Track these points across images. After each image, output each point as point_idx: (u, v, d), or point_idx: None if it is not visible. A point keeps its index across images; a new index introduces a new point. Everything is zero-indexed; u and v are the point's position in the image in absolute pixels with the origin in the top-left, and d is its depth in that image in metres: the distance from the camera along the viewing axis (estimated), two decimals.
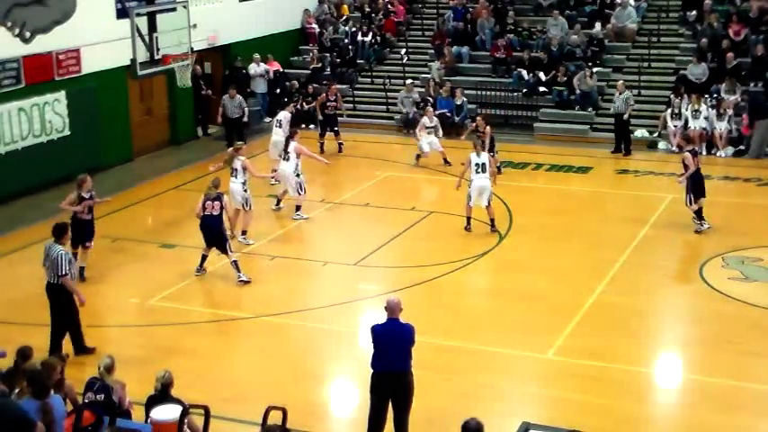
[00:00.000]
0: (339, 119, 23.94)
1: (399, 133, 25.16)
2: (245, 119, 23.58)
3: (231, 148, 17.83)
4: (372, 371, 10.30)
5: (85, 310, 14.63)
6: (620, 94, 22.85)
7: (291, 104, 23.40)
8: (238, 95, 23.52)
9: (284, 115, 21.32)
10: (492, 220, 17.52)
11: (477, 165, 17.33)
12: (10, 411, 7.99)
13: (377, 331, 10.32)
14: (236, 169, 17.16)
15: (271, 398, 10.32)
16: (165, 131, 24.65)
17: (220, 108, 23.47)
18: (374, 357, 10.29)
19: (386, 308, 10.37)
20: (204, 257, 15.72)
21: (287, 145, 18.48)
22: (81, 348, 12.83)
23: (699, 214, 17.37)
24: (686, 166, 17.29)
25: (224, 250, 15.43)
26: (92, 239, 15.95)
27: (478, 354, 12.99)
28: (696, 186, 17.32)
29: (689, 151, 17.41)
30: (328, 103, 23.61)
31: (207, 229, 15.46)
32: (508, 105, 25.56)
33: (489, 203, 17.45)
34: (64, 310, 12.66)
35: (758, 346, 13.13)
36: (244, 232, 17.29)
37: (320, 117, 23.76)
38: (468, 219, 17.50)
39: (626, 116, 22.79)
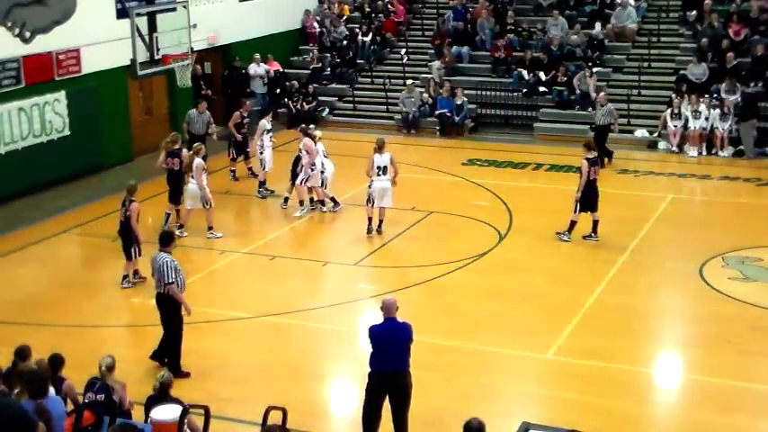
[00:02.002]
0: (340, 119, 23.91)
1: (399, 133, 25.15)
2: (214, 137, 21.16)
3: (192, 150, 17.70)
4: (371, 370, 10.30)
5: (86, 310, 14.69)
6: (601, 106, 22.16)
7: (269, 115, 21.05)
8: (207, 111, 21.26)
9: (261, 123, 20.33)
10: (381, 221, 17.45)
11: (378, 167, 17.21)
12: (11, 411, 7.99)
13: (375, 332, 10.32)
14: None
15: (271, 398, 10.33)
16: (165, 131, 24.47)
17: (184, 123, 21.28)
18: (373, 357, 10.30)
19: (382, 308, 10.39)
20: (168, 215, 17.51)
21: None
22: (175, 368, 11.95)
23: (572, 225, 16.84)
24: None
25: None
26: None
27: (478, 354, 12.99)
28: (584, 198, 16.60)
29: (586, 159, 16.65)
30: (244, 121, 20.90)
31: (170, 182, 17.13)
32: (508, 105, 25.55)
33: (389, 205, 17.41)
34: (169, 322, 12.22)
35: (758, 346, 13.14)
36: (210, 228, 17.43)
37: (236, 137, 20.87)
38: (370, 220, 17.39)
39: (615, 129, 22.36)
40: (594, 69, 25.10)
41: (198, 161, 17.20)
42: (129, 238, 15.04)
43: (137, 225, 14.98)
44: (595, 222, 16.83)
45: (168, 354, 12.30)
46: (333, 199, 18.90)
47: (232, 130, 20.83)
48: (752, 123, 22.33)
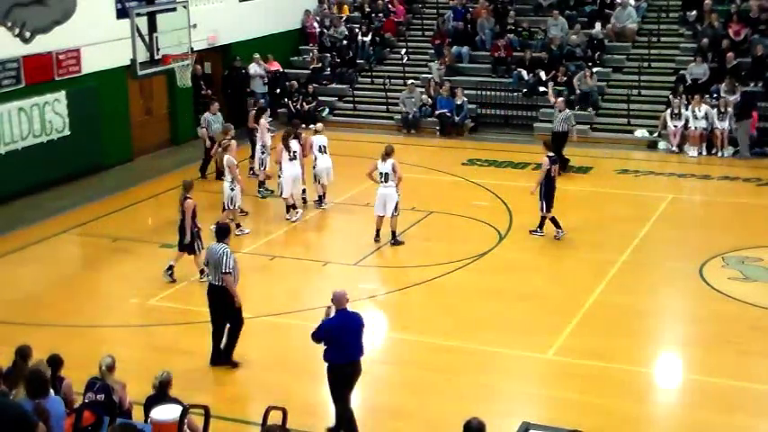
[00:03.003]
0: (340, 119, 23.90)
1: (399, 133, 25.16)
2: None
3: (220, 147, 17.89)
4: (330, 364, 10.50)
5: (86, 310, 14.70)
6: (559, 111, 21.28)
7: (266, 114, 21.18)
8: (219, 112, 21.41)
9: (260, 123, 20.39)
10: (393, 233, 17.04)
11: (380, 173, 17.03)
12: (11, 411, 7.98)
13: (332, 325, 10.51)
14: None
15: (271, 398, 10.33)
16: (165, 131, 24.65)
17: (202, 128, 21.15)
18: (331, 351, 10.49)
19: (333, 300, 10.60)
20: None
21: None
22: (228, 356, 12.42)
23: (555, 221, 17.12)
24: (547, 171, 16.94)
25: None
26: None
27: (478, 354, 12.99)
28: (549, 194, 16.98)
29: (548, 156, 16.98)
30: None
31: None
32: (508, 105, 25.56)
33: (393, 214, 16.95)
34: (230, 311, 12.38)
35: (758, 346, 13.14)
36: (238, 225, 17.49)
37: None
38: (377, 230, 17.15)
39: (574, 136, 21.26)
40: (594, 69, 25.11)
41: (228, 158, 17.25)
42: (184, 233, 15.37)
43: (192, 220, 15.28)
44: (543, 219, 17.13)
45: (228, 340, 12.50)
46: (293, 206, 18.49)
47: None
48: (748, 123, 22.31)
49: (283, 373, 12.51)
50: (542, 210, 17.06)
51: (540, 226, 17.21)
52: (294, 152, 18.34)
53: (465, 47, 27.07)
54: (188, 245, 15.47)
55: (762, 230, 17.42)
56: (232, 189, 17.24)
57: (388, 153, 17.06)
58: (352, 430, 10.73)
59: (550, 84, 24.41)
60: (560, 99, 21.86)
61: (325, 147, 19.03)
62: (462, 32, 27.41)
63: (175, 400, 9.42)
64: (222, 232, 12.65)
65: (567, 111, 21.41)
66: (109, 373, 9.68)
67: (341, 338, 10.47)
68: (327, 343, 10.51)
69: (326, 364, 10.57)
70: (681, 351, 13.47)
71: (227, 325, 12.54)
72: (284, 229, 18.33)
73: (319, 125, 19.72)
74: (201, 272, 15.17)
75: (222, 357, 12.51)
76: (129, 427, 8.11)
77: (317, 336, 10.55)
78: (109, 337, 13.99)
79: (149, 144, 23.80)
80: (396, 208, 16.97)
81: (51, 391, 8.88)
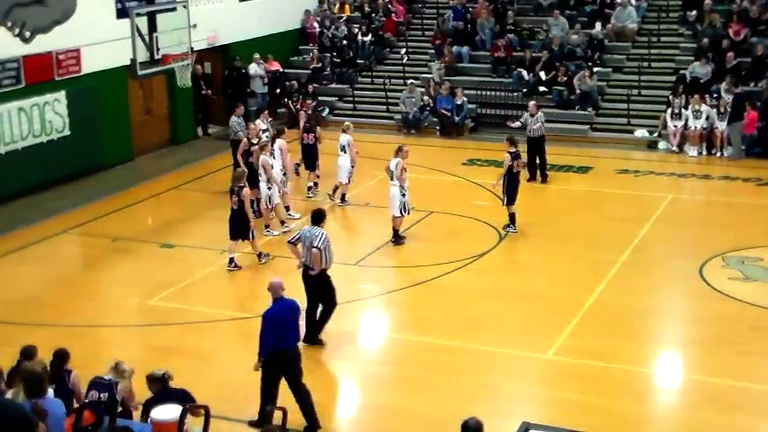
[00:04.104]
0: (340, 119, 23.85)
1: (399, 133, 25.15)
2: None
3: (258, 145, 17.96)
4: (269, 351, 10.75)
5: (86, 310, 14.69)
6: (531, 116, 20.54)
7: (264, 114, 21.03)
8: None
9: (256, 123, 20.03)
10: (394, 231, 16.97)
11: (387, 170, 17.08)
12: (11, 411, 7.98)
13: (272, 315, 10.82)
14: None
15: None
16: (165, 131, 24.65)
17: (237, 133, 20.04)
18: (269, 339, 10.75)
19: (269, 290, 10.98)
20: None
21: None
22: (316, 335, 13.06)
23: (512, 218, 17.32)
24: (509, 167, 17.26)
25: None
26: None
27: (478, 354, 12.99)
28: (510, 188, 17.26)
29: (509, 152, 17.28)
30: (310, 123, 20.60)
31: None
32: (508, 105, 25.55)
33: (394, 214, 16.89)
34: (327, 292, 12.99)
35: (758, 346, 13.13)
36: (267, 226, 17.57)
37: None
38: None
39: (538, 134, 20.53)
40: (595, 69, 25.11)
41: (263, 158, 17.31)
42: (238, 223, 15.81)
43: (249, 208, 15.94)
44: (512, 214, 17.38)
45: (320, 320, 13.04)
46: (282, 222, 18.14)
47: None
48: (740, 125, 22.30)
49: None
50: (503, 204, 17.34)
51: (512, 222, 17.39)
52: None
53: (465, 47, 27.06)
54: (244, 231, 15.97)
55: (762, 230, 17.42)
56: (269, 188, 17.32)
57: (395, 151, 17.16)
58: (310, 414, 10.86)
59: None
60: (532, 103, 21.18)
61: (344, 146, 19.01)
62: (462, 32, 27.40)
63: (180, 393, 9.45)
64: (318, 216, 13.21)
65: (540, 114, 20.73)
66: (120, 376, 9.65)
67: (279, 326, 10.79)
68: (268, 330, 10.81)
69: (264, 354, 10.84)
70: (681, 351, 13.46)
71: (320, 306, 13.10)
72: (284, 229, 18.30)
73: (347, 123, 19.72)
74: (260, 255, 16.17)
75: (311, 337, 13.01)
76: (123, 430, 8.10)
77: (264, 333, 10.82)
78: (109, 337, 13.99)
79: (149, 144, 23.80)
80: (398, 208, 16.87)
81: (51, 391, 8.89)
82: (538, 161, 20.66)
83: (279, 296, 10.94)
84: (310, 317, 13.03)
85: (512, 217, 17.39)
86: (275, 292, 10.94)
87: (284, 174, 18.02)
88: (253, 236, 16.13)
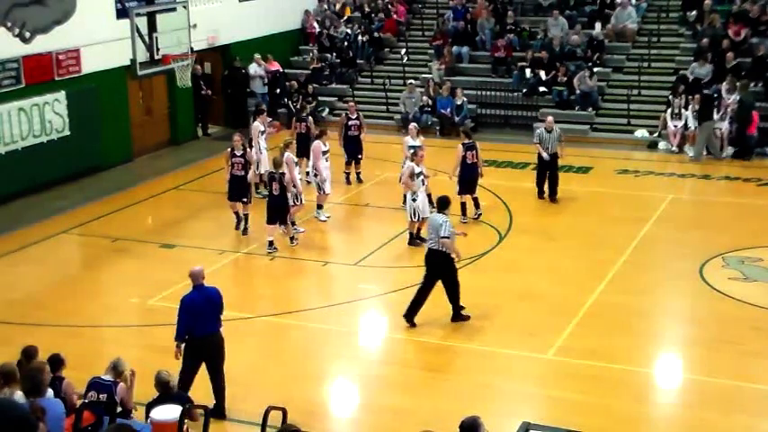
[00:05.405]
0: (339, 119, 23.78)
1: (399, 133, 25.11)
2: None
3: (282, 144, 17.91)
4: (188, 337, 10.94)
5: (86, 310, 14.70)
6: (548, 132, 19.04)
7: (262, 116, 20.44)
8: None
9: (254, 125, 20.04)
10: (410, 233, 17.09)
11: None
12: (11, 411, 7.97)
13: (190, 300, 11.02)
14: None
15: (271, 398, 10.32)
16: (165, 131, 24.66)
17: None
18: (187, 325, 10.95)
19: (190, 276, 11.12)
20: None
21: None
22: (458, 312, 13.72)
23: (463, 208, 17.85)
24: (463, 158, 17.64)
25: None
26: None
27: (478, 354, 12.99)
28: (464, 181, 17.74)
29: (462, 144, 17.78)
30: (350, 123, 21.07)
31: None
32: (508, 105, 25.56)
33: (411, 219, 16.93)
34: (447, 273, 13.57)
35: (758, 346, 13.12)
36: (293, 223, 17.48)
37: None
38: (418, 231, 17.03)
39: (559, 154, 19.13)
40: (595, 69, 25.11)
41: (288, 155, 17.23)
42: (277, 208, 16.48)
43: (294, 175, 16.88)
44: (475, 199, 18.00)
45: (451, 300, 13.67)
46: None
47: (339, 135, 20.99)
48: (709, 125, 22.26)
49: (283, 373, 12.51)
50: (457, 193, 17.58)
51: (476, 206, 18.01)
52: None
53: (465, 47, 27.06)
54: (283, 216, 16.61)
55: (762, 230, 17.41)
56: (294, 186, 17.28)
57: (411, 155, 17.43)
58: (219, 400, 11.09)
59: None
60: (550, 118, 19.66)
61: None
62: (462, 32, 27.40)
63: (181, 396, 9.45)
64: (443, 203, 13.64)
65: (557, 128, 19.28)
66: (118, 376, 9.66)
67: (197, 312, 10.93)
68: (186, 316, 10.97)
69: (180, 339, 11.02)
70: (681, 351, 13.46)
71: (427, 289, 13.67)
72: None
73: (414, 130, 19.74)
74: (291, 239, 16.89)
75: (455, 316, 13.74)
76: (124, 428, 8.10)
77: (180, 317, 10.99)
78: (109, 337, 13.99)
79: (149, 144, 23.81)
80: (409, 213, 16.89)
81: (51, 391, 8.88)
82: (548, 178, 19.18)
83: (199, 283, 11.08)
84: (421, 295, 13.59)
85: (464, 207, 17.84)
86: (195, 279, 11.08)
87: (294, 186, 17.19)
88: (290, 221, 16.82)
